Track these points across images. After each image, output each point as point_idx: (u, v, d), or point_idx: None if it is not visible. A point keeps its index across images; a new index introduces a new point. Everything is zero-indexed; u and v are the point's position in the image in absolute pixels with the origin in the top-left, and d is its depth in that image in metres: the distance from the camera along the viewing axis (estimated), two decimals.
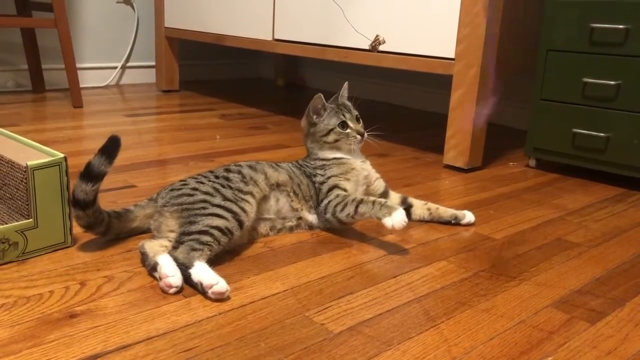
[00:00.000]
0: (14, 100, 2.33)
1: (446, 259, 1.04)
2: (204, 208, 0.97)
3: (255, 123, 2.16)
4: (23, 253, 0.95)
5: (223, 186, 1.03)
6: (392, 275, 0.97)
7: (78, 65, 2.59)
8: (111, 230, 1.02)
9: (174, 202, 1.00)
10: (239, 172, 1.09)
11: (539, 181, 1.58)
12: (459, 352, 0.75)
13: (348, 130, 1.18)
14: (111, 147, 0.97)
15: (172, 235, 0.97)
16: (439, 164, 1.69)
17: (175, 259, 0.89)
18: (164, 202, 1.02)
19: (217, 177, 1.07)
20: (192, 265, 0.88)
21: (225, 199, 1.00)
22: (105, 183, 1.35)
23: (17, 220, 0.96)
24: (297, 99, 2.84)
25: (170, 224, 0.99)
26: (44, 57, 2.55)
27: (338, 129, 1.18)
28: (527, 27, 1.73)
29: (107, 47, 2.81)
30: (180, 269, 0.88)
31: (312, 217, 1.14)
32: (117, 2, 2.80)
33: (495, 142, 1.98)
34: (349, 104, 1.24)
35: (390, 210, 1.04)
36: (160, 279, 0.87)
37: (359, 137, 1.19)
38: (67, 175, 0.98)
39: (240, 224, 0.99)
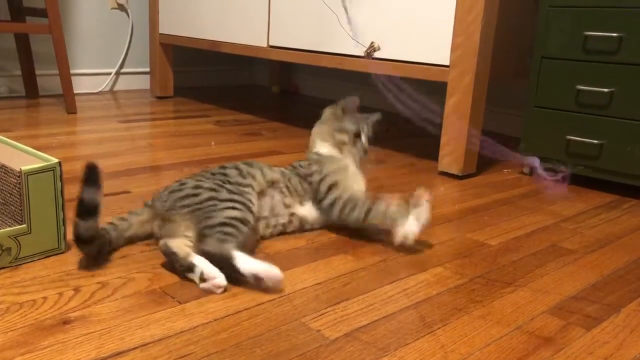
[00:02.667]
0: (7, 106, 2.31)
1: (442, 265, 1.04)
2: (214, 205, 0.97)
3: (250, 129, 2.16)
4: (16, 259, 0.94)
5: (223, 182, 1.04)
6: (388, 281, 0.97)
7: (72, 71, 2.58)
8: (112, 244, 1.01)
9: (181, 204, 0.99)
10: (236, 168, 1.10)
11: (533, 188, 1.58)
12: (456, 359, 0.75)
13: (358, 140, 1.22)
14: (92, 175, 0.92)
15: (189, 234, 0.97)
16: (434, 170, 1.69)
17: (208, 254, 0.90)
18: (168, 205, 1.00)
19: (213, 174, 1.08)
20: (233, 256, 0.89)
21: (231, 192, 1.01)
22: None
23: (10, 226, 0.95)
24: (291, 105, 2.84)
25: (182, 228, 0.98)
26: (37, 63, 2.54)
27: (352, 134, 1.22)
28: (521, 34, 1.74)
29: (102, 53, 2.80)
30: (220, 261, 0.89)
31: (303, 210, 1.15)
32: (112, 9, 2.79)
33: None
34: (372, 125, 1.27)
35: (403, 215, 1.06)
36: (205, 280, 0.88)
37: (362, 152, 1.23)
38: (61, 180, 0.97)
39: (252, 214, 1.00)
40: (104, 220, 1.03)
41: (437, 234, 1.20)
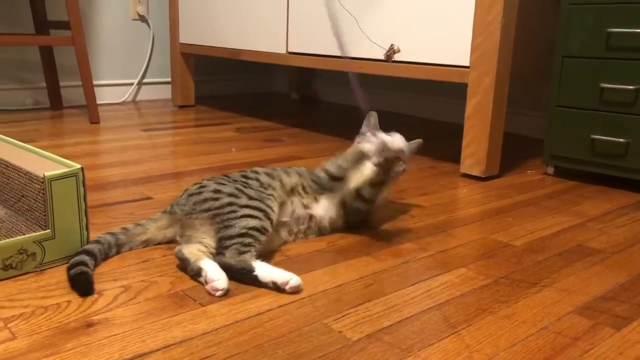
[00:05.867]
0: (32, 117, 2.36)
1: (465, 266, 1.03)
2: (233, 211, 0.98)
3: (270, 136, 2.17)
4: (41, 264, 0.95)
5: (245, 186, 1.05)
6: (411, 282, 0.95)
7: (95, 82, 2.62)
8: (123, 247, 1.03)
9: (200, 208, 1.00)
10: (257, 180, 1.10)
11: (558, 189, 1.56)
12: (481, 359, 0.74)
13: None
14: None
15: (206, 241, 0.98)
16: (456, 173, 1.68)
17: (229, 266, 0.91)
18: (187, 209, 1.02)
19: (235, 180, 1.08)
20: (254, 268, 0.91)
21: (251, 198, 1.01)
22: (122, 195, 1.37)
23: (35, 232, 0.96)
24: (311, 112, 2.84)
25: (201, 232, 0.99)
26: (61, 75, 2.59)
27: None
28: (541, 33, 1.72)
29: (124, 64, 2.85)
30: (241, 273, 0.91)
31: (318, 208, 1.14)
32: (133, 20, 2.83)
33: (512, 151, 1.96)
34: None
35: None
36: (206, 283, 0.89)
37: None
38: (84, 186, 0.98)
39: (271, 222, 1.00)
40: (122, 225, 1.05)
41: (460, 235, 1.18)
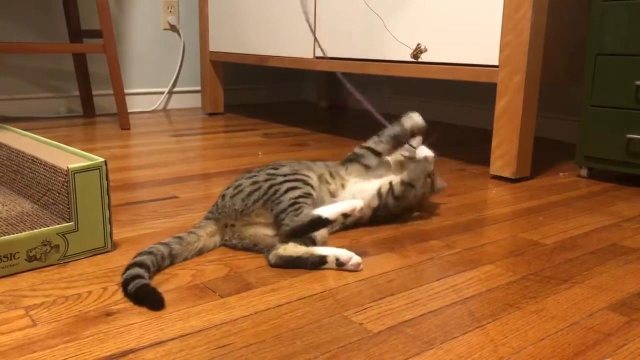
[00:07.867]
0: (65, 125, 2.41)
1: (493, 263, 1.00)
2: (276, 190, 1.02)
3: (297, 140, 2.16)
4: (64, 256, 0.95)
5: (276, 169, 1.09)
6: (436, 278, 0.93)
7: (127, 90, 2.67)
8: (177, 257, 0.97)
9: (250, 202, 1.02)
10: (282, 166, 1.13)
11: (592, 190, 1.51)
12: (507, 352, 0.71)
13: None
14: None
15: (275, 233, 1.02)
16: (486, 175, 1.64)
17: (300, 226, 0.97)
18: (240, 208, 1.02)
19: (261, 169, 1.11)
20: (318, 214, 0.98)
21: (286, 174, 1.06)
22: (148, 195, 1.38)
23: (59, 224, 0.97)
24: (339, 119, 2.84)
25: (262, 221, 1.02)
26: (94, 84, 2.64)
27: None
28: (573, 31, 1.68)
29: (155, 73, 2.89)
30: (314, 224, 0.98)
31: (346, 196, 1.16)
32: (164, 29, 2.88)
33: (544, 155, 1.91)
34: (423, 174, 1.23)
35: None
36: (343, 264, 0.94)
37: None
38: (107, 179, 0.99)
39: (312, 186, 1.07)
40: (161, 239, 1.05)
41: (488, 233, 1.15)
